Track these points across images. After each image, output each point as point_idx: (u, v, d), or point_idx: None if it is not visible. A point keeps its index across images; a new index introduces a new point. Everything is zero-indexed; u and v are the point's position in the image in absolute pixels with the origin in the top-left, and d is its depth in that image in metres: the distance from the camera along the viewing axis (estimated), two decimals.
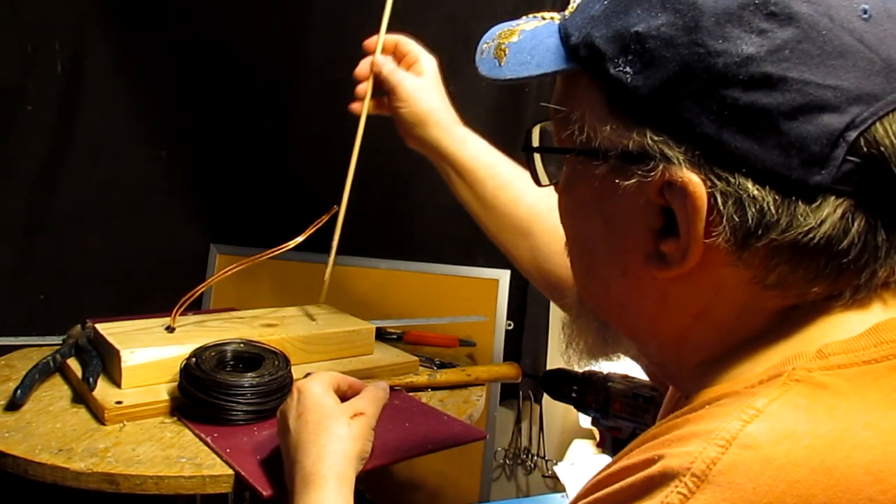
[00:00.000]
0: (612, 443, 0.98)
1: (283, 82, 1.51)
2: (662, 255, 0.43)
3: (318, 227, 1.04)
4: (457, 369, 1.07)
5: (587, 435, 1.43)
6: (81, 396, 0.91)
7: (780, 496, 0.33)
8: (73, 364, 0.98)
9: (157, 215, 1.48)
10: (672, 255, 0.42)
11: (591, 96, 0.43)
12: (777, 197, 0.38)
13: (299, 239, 1.03)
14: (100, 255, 1.36)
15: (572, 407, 1.02)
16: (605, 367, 1.10)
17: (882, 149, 0.38)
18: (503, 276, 1.45)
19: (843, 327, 0.41)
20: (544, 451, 1.51)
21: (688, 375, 0.47)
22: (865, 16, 0.38)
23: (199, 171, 1.54)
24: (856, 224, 0.39)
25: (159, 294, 1.40)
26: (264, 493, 0.72)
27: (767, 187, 0.38)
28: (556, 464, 1.37)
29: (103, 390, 0.89)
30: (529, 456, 1.52)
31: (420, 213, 1.49)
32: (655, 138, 0.40)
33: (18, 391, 0.87)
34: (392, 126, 1.53)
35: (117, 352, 0.90)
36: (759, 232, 0.39)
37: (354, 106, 0.98)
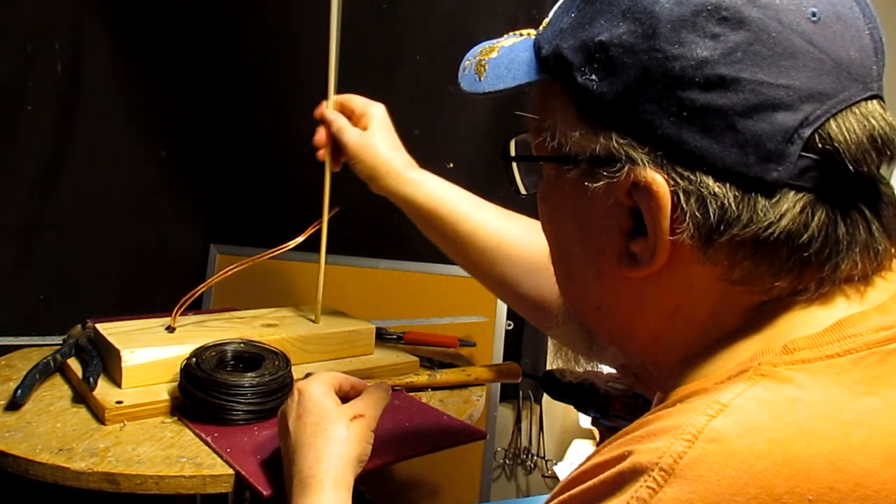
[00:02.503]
0: None
1: (283, 82, 1.51)
2: (633, 255, 0.44)
3: (317, 227, 1.04)
4: (457, 369, 1.07)
5: (587, 435, 1.43)
6: (82, 396, 0.92)
7: (743, 487, 0.35)
8: (74, 364, 0.98)
9: (157, 215, 1.48)
10: (642, 255, 0.44)
11: (562, 104, 0.46)
12: (737, 193, 0.40)
13: (299, 239, 1.03)
14: (100, 256, 1.36)
15: (572, 407, 1.02)
16: (605, 367, 1.10)
17: (836, 144, 0.40)
18: None
19: (809, 322, 0.42)
20: (544, 451, 1.51)
21: (667, 375, 0.48)
22: (814, 18, 0.40)
23: (198, 171, 1.54)
24: (816, 218, 0.40)
25: (159, 294, 1.40)
26: (264, 492, 0.72)
27: (727, 184, 0.40)
28: (556, 464, 1.37)
29: (104, 390, 0.89)
30: (529, 456, 1.52)
31: None
32: (621, 141, 0.42)
33: (19, 391, 0.87)
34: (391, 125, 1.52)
35: (117, 352, 0.90)
36: (722, 228, 0.40)
37: (320, 154, 1.02)
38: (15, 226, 1.20)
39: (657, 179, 0.41)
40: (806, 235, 0.40)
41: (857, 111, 0.40)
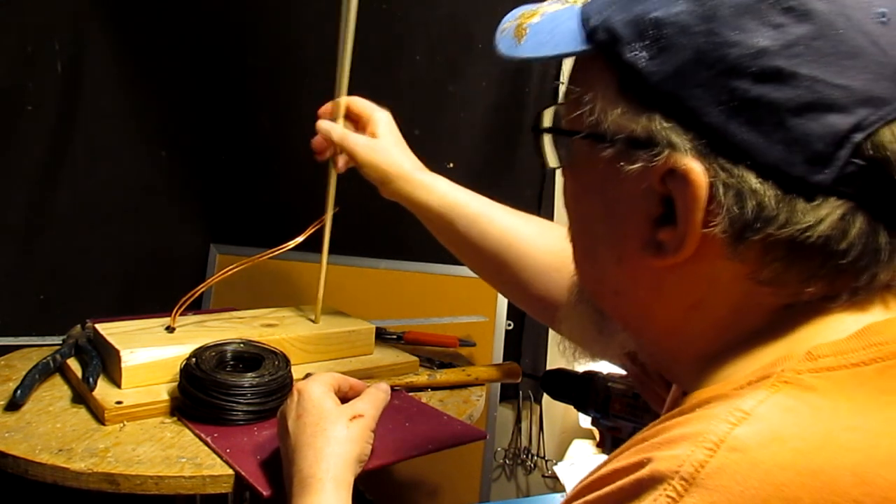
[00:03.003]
0: (612, 443, 0.98)
1: (283, 82, 1.51)
2: (659, 244, 0.43)
3: (318, 227, 1.04)
4: (457, 369, 1.07)
5: (587, 435, 1.43)
6: (81, 396, 0.91)
7: (767, 499, 0.33)
8: (73, 364, 0.98)
9: (157, 215, 1.48)
10: (668, 244, 0.42)
11: (604, 79, 0.43)
12: (777, 192, 0.38)
13: (299, 239, 1.03)
14: (100, 255, 1.36)
15: (572, 407, 1.02)
16: (605, 367, 1.10)
17: (888, 153, 0.38)
18: None
19: (836, 328, 0.41)
20: (544, 451, 1.51)
21: (684, 371, 0.47)
22: (883, 19, 0.38)
23: (198, 171, 1.54)
24: (856, 226, 0.39)
25: (159, 294, 1.40)
26: (264, 493, 0.72)
27: (769, 182, 0.38)
28: (556, 464, 1.37)
29: (103, 390, 0.89)
30: (529, 456, 1.52)
31: None
32: (664, 124, 0.40)
33: (18, 391, 0.87)
34: None
35: (117, 352, 0.90)
36: (757, 225, 0.39)
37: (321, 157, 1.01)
38: (15, 226, 1.20)
39: (696, 168, 0.39)
40: (844, 243, 0.39)
41: None
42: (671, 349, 0.48)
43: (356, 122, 0.99)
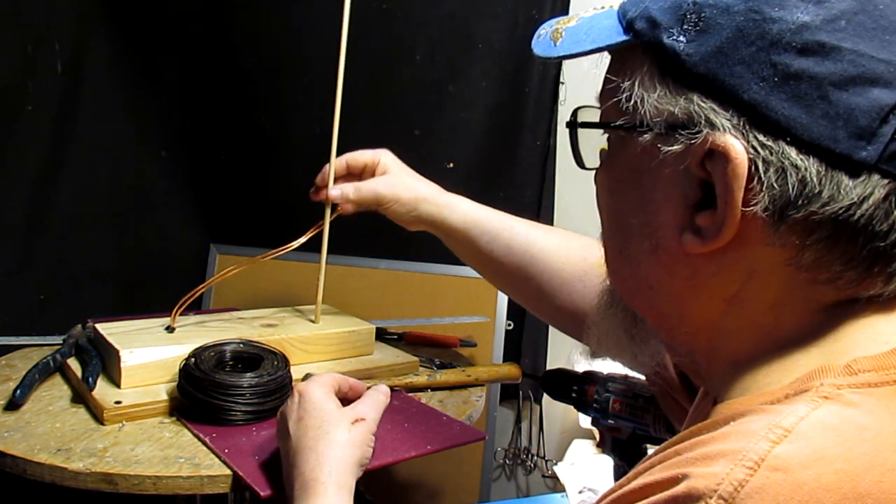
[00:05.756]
0: (612, 443, 0.98)
1: (283, 82, 1.51)
2: (697, 229, 0.42)
3: (319, 228, 1.04)
4: (457, 370, 1.07)
5: (587, 435, 1.43)
6: (81, 396, 0.91)
7: None
8: (73, 364, 0.98)
9: (157, 215, 1.48)
10: (707, 229, 0.41)
11: (642, 66, 0.43)
12: (820, 168, 0.38)
13: (302, 240, 1.03)
14: (100, 256, 1.36)
15: (572, 407, 1.02)
16: (605, 367, 1.10)
17: None
18: None
19: (873, 338, 0.40)
20: (544, 451, 1.51)
21: (718, 374, 0.45)
22: None
23: (198, 171, 1.54)
24: None
25: (159, 294, 1.40)
26: (262, 493, 0.72)
27: (811, 157, 0.38)
28: (556, 464, 1.37)
29: (103, 390, 0.89)
30: (529, 456, 1.52)
31: None
32: (702, 104, 0.40)
33: (18, 391, 0.87)
34: (391, 127, 1.53)
35: (117, 352, 0.90)
36: (800, 202, 0.38)
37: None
38: (15, 226, 1.21)
39: (736, 146, 0.39)
40: (886, 224, 0.38)
41: None
42: (706, 350, 0.46)
43: (360, 174, 1.00)
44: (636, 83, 0.43)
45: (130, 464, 0.76)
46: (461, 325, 1.33)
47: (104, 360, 0.95)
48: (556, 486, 1.45)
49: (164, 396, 0.89)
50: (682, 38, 0.41)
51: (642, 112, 0.43)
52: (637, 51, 0.44)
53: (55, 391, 0.94)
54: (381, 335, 1.17)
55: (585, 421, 1.34)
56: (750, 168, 0.39)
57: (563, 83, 1.42)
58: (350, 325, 1.09)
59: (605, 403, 0.95)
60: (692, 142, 0.40)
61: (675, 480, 0.36)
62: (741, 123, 0.39)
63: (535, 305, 0.91)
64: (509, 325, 1.44)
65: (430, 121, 1.45)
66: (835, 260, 0.39)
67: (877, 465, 0.34)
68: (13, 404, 0.87)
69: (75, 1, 1.26)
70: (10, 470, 0.77)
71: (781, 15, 0.38)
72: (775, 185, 0.38)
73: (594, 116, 0.49)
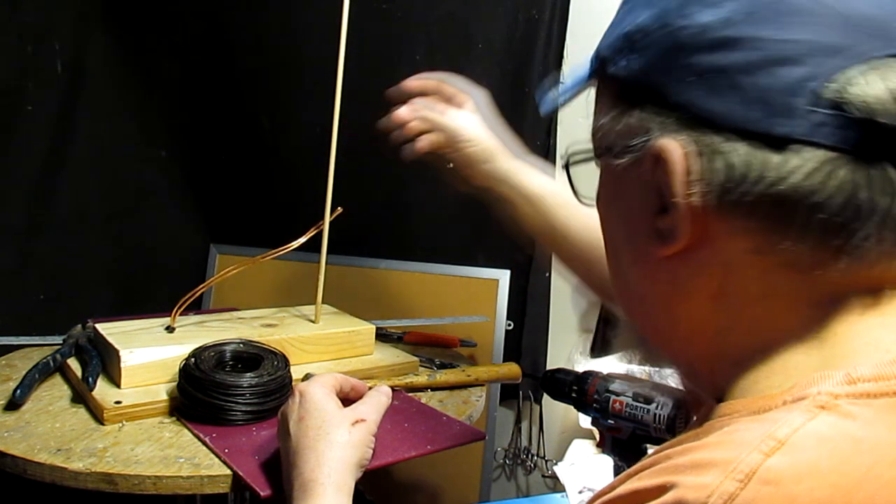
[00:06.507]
0: (612, 443, 0.98)
1: (283, 82, 1.51)
2: (659, 232, 0.44)
3: (319, 228, 1.04)
4: (457, 370, 1.07)
5: (587, 435, 1.43)
6: (81, 396, 0.91)
7: None
8: (73, 364, 0.98)
9: (157, 215, 1.49)
10: (667, 230, 0.43)
11: (603, 100, 0.48)
12: (746, 150, 0.40)
13: (302, 240, 1.03)
14: (100, 255, 1.36)
15: (572, 407, 1.02)
16: (605, 367, 1.10)
17: (851, 98, 0.38)
18: (503, 276, 1.45)
19: (876, 345, 0.40)
20: (544, 451, 1.51)
21: (722, 376, 0.45)
22: None
23: (198, 171, 1.55)
24: (837, 177, 0.38)
25: (159, 294, 1.40)
26: (262, 493, 0.72)
27: (736, 141, 0.40)
28: (555, 464, 1.37)
29: (103, 390, 0.89)
30: (529, 456, 1.52)
31: (420, 213, 1.49)
32: (643, 116, 0.44)
33: (18, 391, 0.87)
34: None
35: (117, 352, 0.90)
36: (731, 185, 0.40)
37: (411, 148, 0.94)
38: (15, 226, 1.21)
39: (669, 145, 0.42)
40: (824, 194, 0.38)
41: (881, 67, 0.38)
42: (705, 354, 0.46)
43: (450, 101, 0.94)
44: (601, 114, 0.48)
45: (130, 464, 0.76)
46: (461, 325, 1.33)
47: (104, 360, 0.95)
48: (556, 486, 1.45)
49: (164, 396, 0.89)
50: (622, 63, 0.45)
51: (610, 138, 0.47)
52: (598, 87, 0.49)
53: (55, 391, 0.94)
54: (381, 335, 1.17)
55: (585, 421, 1.34)
56: (685, 162, 0.41)
57: (563, 83, 1.42)
58: (350, 325, 1.09)
59: (605, 403, 0.95)
60: (639, 152, 0.44)
61: (663, 489, 0.36)
62: (673, 123, 0.42)
63: (599, 287, 0.87)
64: (509, 325, 1.44)
65: None
66: (786, 239, 0.40)
67: (871, 479, 0.33)
68: (13, 404, 0.87)
69: (75, 1, 1.26)
70: (10, 470, 0.77)
71: (687, 22, 0.42)
72: (706, 172, 0.41)
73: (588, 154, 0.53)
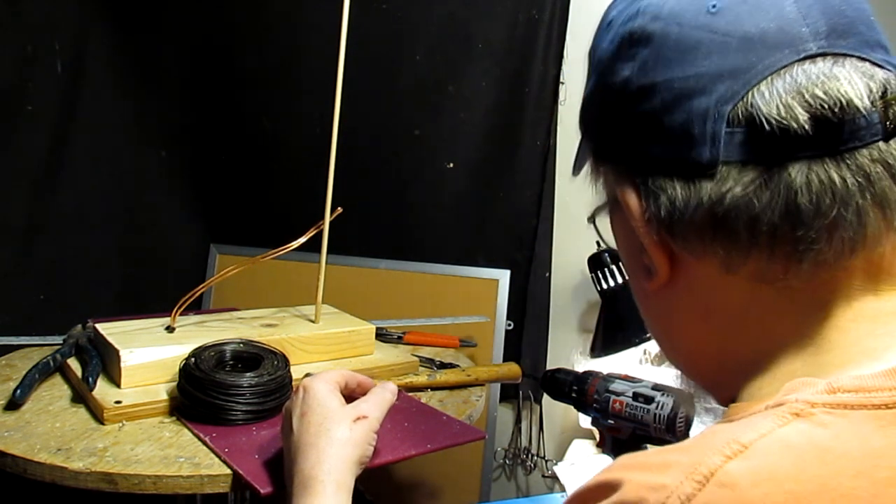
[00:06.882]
0: (612, 443, 0.98)
1: (283, 82, 1.51)
2: (647, 268, 0.48)
3: (319, 228, 1.04)
4: (457, 370, 1.07)
5: (587, 435, 1.43)
6: (81, 396, 0.91)
7: None
8: (73, 364, 0.98)
9: (157, 215, 1.49)
10: (651, 266, 0.47)
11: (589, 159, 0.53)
12: (682, 182, 0.43)
13: (302, 240, 1.03)
14: (100, 255, 1.36)
15: (572, 407, 1.02)
16: (605, 367, 1.10)
17: (756, 111, 0.40)
18: (503, 276, 1.45)
19: (869, 354, 0.40)
20: (544, 451, 1.51)
21: (732, 389, 0.46)
22: (714, 10, 0.43)
23: (198, 171, 1.55)
24: (771, 187, 0.40)
25: (159, 294, 1.40)
26: (262, 491, 0.72)
27: (673, 177, 0.43)
28: (556, 464, 1.37)
29: (103, 390, 0.89)
30: (529, 456, 1.52)
31: (420, 213, 1.49)
32: (606, 170, 0.49)
33: (18, 390, 0.87)
34: (391, 125, 1.52)
35: (117, 351, 0.90)
36: (676, 216, 0.43)
37: None
38: (15, 226, 1.21)
39: (625, 192, 0.46)
40: (758, 207, 0.40)
41: (786, 75, 0.40)
42: (711, 371, 0.49)
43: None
44: (591, 173, 0.52)
45: (130, 463, 0.76)
46: (461, 325, 1.33)
47: (104, 360, 0.95)
48: (555, 486, 1.45)
49: (164, 396, 0.89)
50: (586, 128, 0.51)
51: (602, 194, 0.51)
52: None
53: (55, 391, 0.94)
54: (381, 335, 1.17)
55: (585, 421, 1.34)
56: (640, 205, 0.45)
57: (563, 83, 1.42)
58: (350, 325, 1.09)
59: (605, 403, 0.95)
60: (615, 202, 0.48)
61: (615, 486, 0.36)
62: (623, 171, 0.47)
63: None
64: (509, 325, 1.44)
65: (430, 121, 1.45)
66: (743, 254, 0.42)
67: (830, 489, 0.33)
68: (13, 404, 0.87)
69: (75, 1, 1.26)
70: (10, 470, 0.77)
71: (614, 79, 0.46)
72: (654, 209, 0.44)
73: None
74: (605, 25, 0.49)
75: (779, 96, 0.40)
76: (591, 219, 0.57)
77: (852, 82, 0.40)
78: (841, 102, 0.39)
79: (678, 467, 0.35)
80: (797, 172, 0.40)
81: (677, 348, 0.51)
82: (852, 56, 0.41)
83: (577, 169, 0.58)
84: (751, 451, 0.35)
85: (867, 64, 0.41)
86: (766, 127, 0.40)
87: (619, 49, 0.46)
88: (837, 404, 0.36)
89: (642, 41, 0.44)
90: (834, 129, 0.39)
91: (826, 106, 0.39)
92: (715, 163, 0.41)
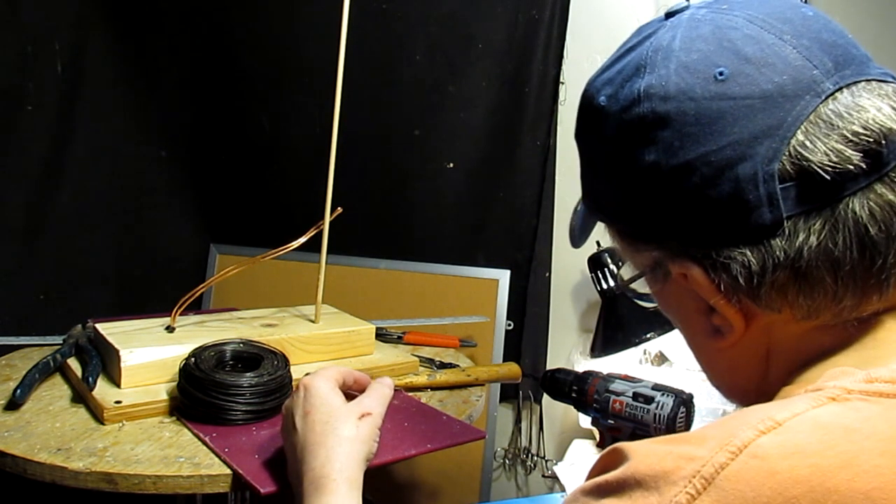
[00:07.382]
0: (612, 443, 0.97)
1: (283, 83, 1.51)
2: (717, 328, 0.48)
3: (319, 228, 1.04)
4: (456, 369, 1.07)
5: (587, 435, 1.43)
6: (81, 396, 0.91)
7: None
8: (73, 364, 0.98)
9: (157, 215, 1.49)
10: (723, 326, 0.47)
11: (609, 231, 0.54)
12: (749, 247, 0.43)
13: (302, 240, 1.03)
14: (100, 255, 1.36)
15: (572, 407, 1.02)
16: (605, 367, 1.10)
17: (807, 157, 0.41)
18: (503, 276, 1.45)
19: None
20: (544, 451, 1.51)
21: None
22: (722, 77, 0.43)
23: (198, 171, 1.55)
24: (842, 231, 0.41)
25: (159, 294, 1.40)
26: (262, 490, 0.72)
27: (739, 245, 0.43)
28: (555, 464, 1.37)
29: (103, 390, 0.89)
30: (529, 456, 1.52)
31: (420, 213, 1.49)
32: (648, 248, 0.49)
33: (18, 390, 0.87)
34: (391, 125, 1.52)
35: (117, 351, 0.90)
36: (755, 281, 0.43)
37: None
38: (15, 226, 1.21)
39: (685, 266, 0.46)
40: (838, 251, 0.41)
41: (818, 121, 0.41)
42: (761, 394, 0.50)
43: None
44: (614, 241, 0.53)
45: (130, 463, 0.76)
46: (461, 325, 1.33)
47: (104, 360, 0.95)
48: (555, 486, 1.45)
49: (164, 396, 0.89)
50: (614, 217, 0.52)
51: (637, 267, 0.52)
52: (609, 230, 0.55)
53: (55, 391, 0.94)
54: (381, 335, 1.17)
55: (585, 421, 1.34)
56: (707, 277, 0.45)
57: (563, 83, 1.42)
58: (350, 325, 1.09)
59: (605, 403, 0.95)
60: (669, 275, 0.48)
61: (617, 456, 0.41)
62: (677, 248, 0.47)
63: None
64: (509, 325, 1.44)
65: (430, 121, 1.45)
66: (823, 301, 0.43)
67: (853, 465, 0.36)
68: (13, 404, 0.87)
69: (75, 1, 1.26)
70: (10, 469, 0.77)
71: (637, 166, 0.46)
72: (727, 278, 0.44)
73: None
74: (592, 114, 0.49)
75: (823, 143, 0.41)
76: (625, 285, 0.58)
77: (880, 108, 0.42)
78: (882, 132, 0.41)
79: (714, 440, 0.38)
80: (858, 206, 0.41)
81: (729, 384, 0.53)
82: (860, 81, 0.43)
83: (580, 240, 0.59)
84: (784, 427, 0.38)
85: (874, 83, 0.43)
86: (824, 175, 0.41)
87: (630, 136, 0.46)
88: (873, 392, 0.39)
89: (658, 124, 0.44)
90: (880, 157, 0.41)
91: (872, 139, 0.41)
92: (780, 221, 0.42)
